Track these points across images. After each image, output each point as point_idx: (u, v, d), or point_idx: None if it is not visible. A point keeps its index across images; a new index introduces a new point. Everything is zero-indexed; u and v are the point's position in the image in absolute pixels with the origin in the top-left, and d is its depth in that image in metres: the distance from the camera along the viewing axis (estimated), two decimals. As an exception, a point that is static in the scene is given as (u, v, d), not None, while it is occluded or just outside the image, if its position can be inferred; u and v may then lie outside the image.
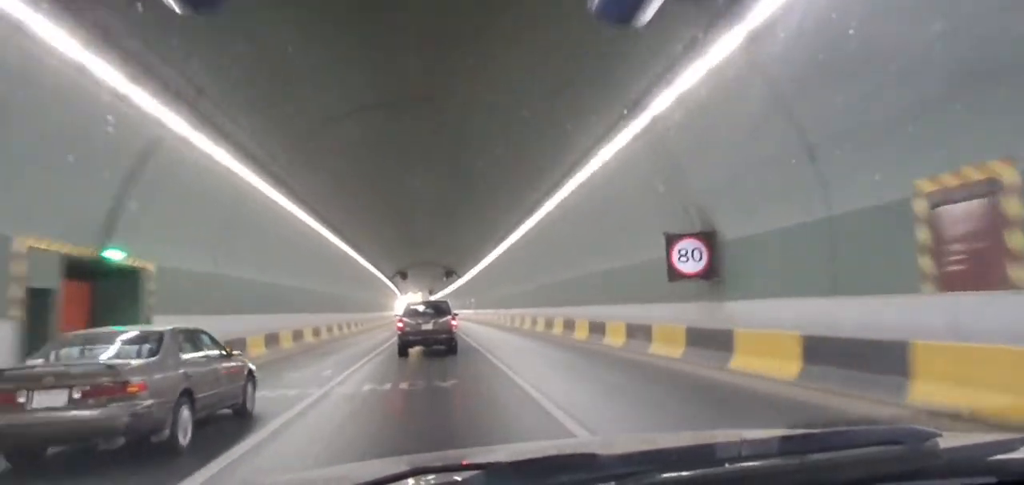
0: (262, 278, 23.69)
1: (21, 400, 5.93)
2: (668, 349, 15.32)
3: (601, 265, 23.47)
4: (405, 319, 18.56)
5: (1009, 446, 1.33)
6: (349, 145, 20.88)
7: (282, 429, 8.11)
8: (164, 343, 7.14)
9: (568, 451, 1.49)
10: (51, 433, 6.21)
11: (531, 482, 1.25)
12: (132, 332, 7.74)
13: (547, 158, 20.88)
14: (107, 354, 6.96)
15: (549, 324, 30.52)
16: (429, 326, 18.31)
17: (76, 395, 5.99)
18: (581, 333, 24.16)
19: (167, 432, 6.60)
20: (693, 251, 14.54)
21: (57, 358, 6.82)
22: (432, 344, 18.25)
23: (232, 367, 8.68)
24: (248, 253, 21.72)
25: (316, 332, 30.79)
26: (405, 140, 21.51)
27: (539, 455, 1.41)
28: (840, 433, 1.51)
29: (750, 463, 1.38)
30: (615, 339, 19.69)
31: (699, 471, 1.30)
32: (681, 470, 1.29)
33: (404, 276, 67.23)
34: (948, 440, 1.41)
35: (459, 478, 1.30)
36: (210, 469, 6.13)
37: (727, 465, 1.35)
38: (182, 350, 7.53)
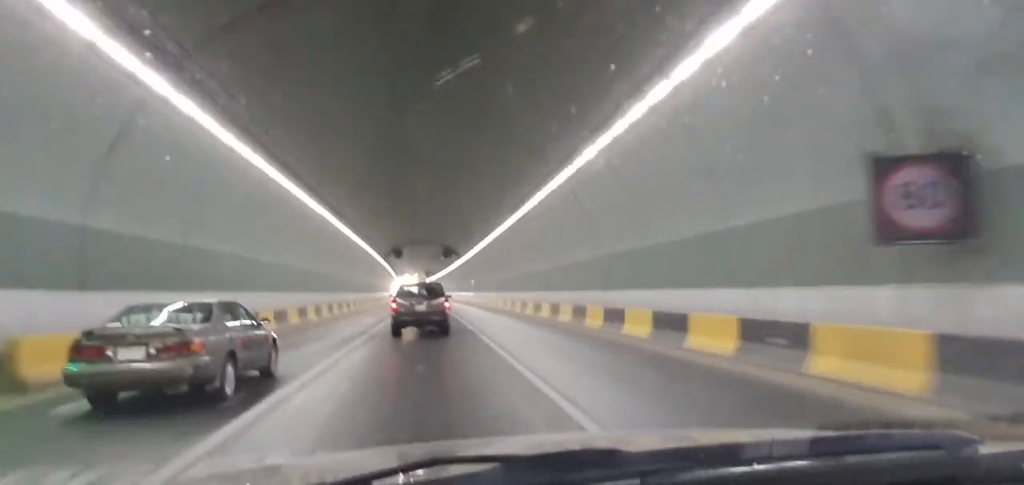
0: (181, 239, 16.68)
1: (108, 354, 7.47)
2: (862, 370, 8.20)
3: (676, 231, 16.35)
4: (399, 300, 18.42)
5: None
6: (322, 50, 14.02)
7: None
8: (213, 312, 8.92)
9: (591, 445, 1.40)
10: (131, 380, 7.75)
11: (552, 476, 1.20)
12: (183, 303, 9.23)
13: (604, 76, 13.97)
14: (169, 320, 8.61)
15: (580, 313, 23.73)
16: (422, 307, 18.17)
17: (152, 351, 7.58)
18: (636, 327, 17.31)
19: (218, 383, 8.22)
20: (926, 189, 7.68)
21: (129, 322, 8.38)
22: (425, 325, 18.19)
23: (261, 335, 10.24)
24: (157, 200, 14.77)
25: (280, 316, 24.12)
26: (405, 54, 14.66)
27: (558, 449, 1.37)
28: (876, 436, 1.49)
29: (781, 464, 1.30)
30: (711, 342, 12.47)
31: (728, 470, 1.26)
32: (709, 468, 1.25)
33: (399, 254, 60.95)
34: (989, 447, 1.35)
35: (478, 470, 1.24)
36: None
37: (756, 465, 1.29)
38: (225, 319, 9.15)
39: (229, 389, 8.42)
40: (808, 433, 1.50)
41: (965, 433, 1.38)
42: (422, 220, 43.11)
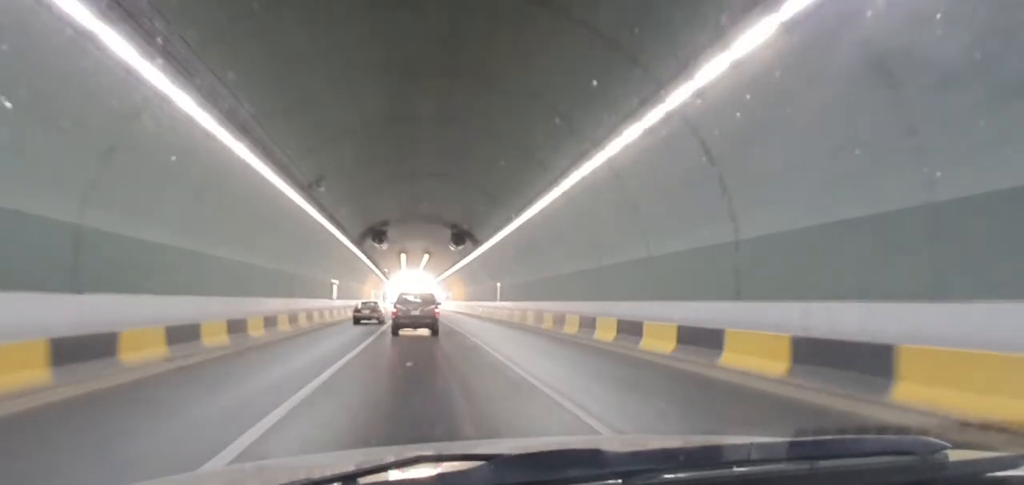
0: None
1: (362, 312, 32.39)
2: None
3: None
4: (398, 307, 22.95)
5: (1012, 462, 1.35)
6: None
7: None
8: (377, 302, 35.05)
9: (575, 446, 1.36)
10: (365, 317, 32.05)
11: (538, 474, 1.24)
12: (367, 300, 36.51)
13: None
14: (372, 305, 33.40)
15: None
16: (417, 313, 22.46)
17: (368, 312, 32.43)
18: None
19: (387, 324, 27.34)
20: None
21: (362, 306, 33.10)
22: (419, 326, 22.64)
23: (383, 311, 33.76)
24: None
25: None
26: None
27: (545, 448, 1.34)
28: (850, 441, 1.54)
29: (759, 467, 1.36)
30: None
31: (707, 472, 1.32)
32: (689, 470, 1.31)
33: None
34: (957, 454, 1.41)
35: (464, 468, 1.27)
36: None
37: (735, 468, 1.35)
38: (378, 305, 34.19)
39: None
40: (786, 438, 1.55)
41: (936, 439, 1.43)
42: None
